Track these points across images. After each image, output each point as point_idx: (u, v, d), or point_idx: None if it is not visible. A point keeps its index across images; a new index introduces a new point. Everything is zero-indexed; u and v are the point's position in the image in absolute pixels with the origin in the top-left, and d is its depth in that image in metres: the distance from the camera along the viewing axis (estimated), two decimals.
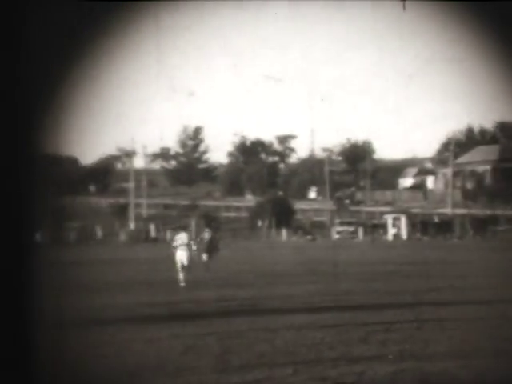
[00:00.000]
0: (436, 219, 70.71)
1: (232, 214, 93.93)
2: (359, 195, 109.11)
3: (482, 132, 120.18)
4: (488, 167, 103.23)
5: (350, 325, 15.71)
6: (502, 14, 14.08)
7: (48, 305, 11.20)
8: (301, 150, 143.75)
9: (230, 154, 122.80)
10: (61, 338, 13.06)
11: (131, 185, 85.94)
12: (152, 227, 72.23)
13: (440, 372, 11.38)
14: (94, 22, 13.12)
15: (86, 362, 12.25)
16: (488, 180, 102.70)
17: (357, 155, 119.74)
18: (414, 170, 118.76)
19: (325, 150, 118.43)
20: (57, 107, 11.35)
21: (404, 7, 16.24)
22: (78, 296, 20.34)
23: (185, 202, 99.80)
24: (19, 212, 10.80)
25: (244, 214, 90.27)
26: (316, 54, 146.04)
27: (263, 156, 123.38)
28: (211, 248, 29.49)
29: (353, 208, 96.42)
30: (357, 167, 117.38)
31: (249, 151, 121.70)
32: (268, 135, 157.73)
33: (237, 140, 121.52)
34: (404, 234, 66.54)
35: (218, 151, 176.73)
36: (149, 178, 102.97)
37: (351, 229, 73.06)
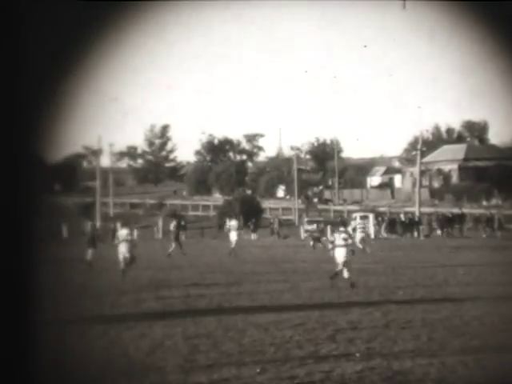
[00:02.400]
0: (403, 218, 70.92)
1: (199, 213, 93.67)
2: (327, 194, 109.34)
3: (449, 131, 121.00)
4: (455, 166, 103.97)
5: (317, 323, 15.67)
6: (501, 13, 14.09)
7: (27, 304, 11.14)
8: (269, 149, 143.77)
9: (198, 153, 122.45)
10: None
11: (97, 183, 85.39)
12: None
13: (408, 370, 11.36)
14: (91, 22, 13.10)
15: (56, 362, 12.12)
16: (454, 179, 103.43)
17: (325, 154, 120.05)
18: (381, 169, 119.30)
19: (293, 148, 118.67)
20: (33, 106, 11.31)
21: (404, 6, 16.25)
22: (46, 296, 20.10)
23: (152, 201, 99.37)
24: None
25: (212, 213, 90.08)
26: (291, 52, 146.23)
27: (231, 154, 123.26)
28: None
29: (321, 207, 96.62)
30: (325, 166, 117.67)
31: (216, 150, 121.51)
32: (236, 134, 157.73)
33: (204, 138, 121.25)
34: (371, 233, 66.70)
35: (186, 150, 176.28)
36: (115, 177, 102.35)
37: (319, 227, 73.09)
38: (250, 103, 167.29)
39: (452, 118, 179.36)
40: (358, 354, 12.47)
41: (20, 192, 11.01)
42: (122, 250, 25.79)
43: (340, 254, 22.74)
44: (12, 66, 10.80)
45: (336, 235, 23.36)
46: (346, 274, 22.51)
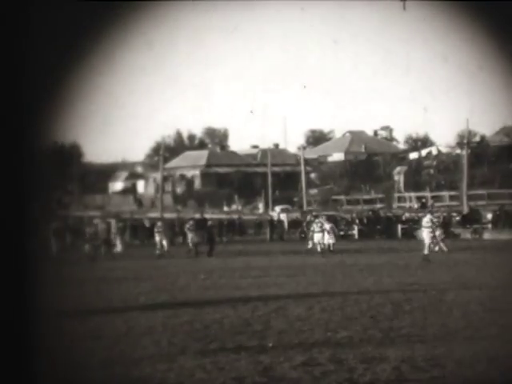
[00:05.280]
0: (147, 223, 70.85)
1: None
2: (67, 199, 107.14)
3: (191, 137, 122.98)
4: (197, 172, 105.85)
5: None
6: (501, 13, 14.16)
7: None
8: None
9: None
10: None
11: None
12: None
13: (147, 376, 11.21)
14: (93, 22, 12.95)
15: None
16: (197, 184, 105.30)
17: (64, 158, 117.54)
18: (124, 174, 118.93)
19: None
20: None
21: (404, 7, 16.14)
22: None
23: None
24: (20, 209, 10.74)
25: None
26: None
27: None
28: None
29: (61, 212, 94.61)
30: (64, 170, 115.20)
31: None
32: None
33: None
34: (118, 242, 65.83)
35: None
36: None
37: None
38: None
39: (193, 124, 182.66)
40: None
41: (27, 192, 11.00)
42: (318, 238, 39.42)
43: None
44: (18, 67, 10.81)
45: None
46: None
